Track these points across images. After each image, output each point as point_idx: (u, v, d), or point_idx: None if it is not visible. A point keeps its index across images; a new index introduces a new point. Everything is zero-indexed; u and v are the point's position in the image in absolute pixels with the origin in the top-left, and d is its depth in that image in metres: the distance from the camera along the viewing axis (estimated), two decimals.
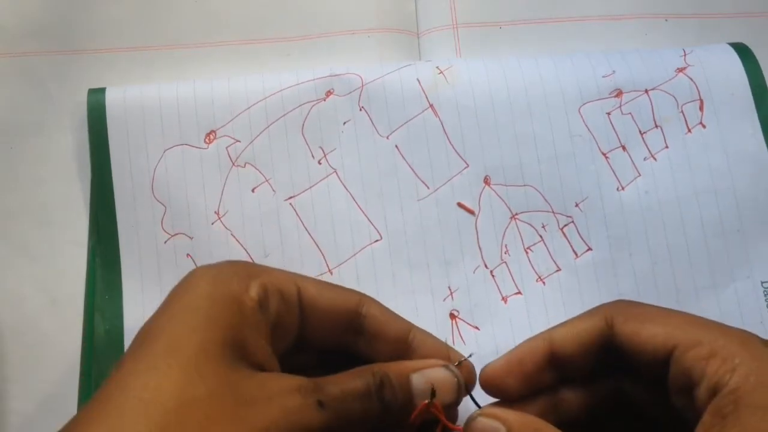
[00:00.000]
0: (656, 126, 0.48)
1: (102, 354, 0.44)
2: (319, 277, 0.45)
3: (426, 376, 0.35)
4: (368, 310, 0.37)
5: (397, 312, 0.45)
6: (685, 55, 0.50)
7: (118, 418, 0.28)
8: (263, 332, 0.33)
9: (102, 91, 0.48)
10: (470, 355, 0.37)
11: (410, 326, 0.38)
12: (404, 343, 0.37)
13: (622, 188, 0.47)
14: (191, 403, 0.29)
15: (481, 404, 0.36)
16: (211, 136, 0.47)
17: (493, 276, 0.46)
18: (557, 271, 0.46)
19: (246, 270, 0.34)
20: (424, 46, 0.53)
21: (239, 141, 0.47)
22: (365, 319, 0.36)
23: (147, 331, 0.32)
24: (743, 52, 0.50)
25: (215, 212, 0.46)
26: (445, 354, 0.37)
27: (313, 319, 0.35)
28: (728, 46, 0.51)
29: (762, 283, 0.46)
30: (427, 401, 0.34)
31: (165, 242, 0.46)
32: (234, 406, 0.29)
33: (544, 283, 0.46)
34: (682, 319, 0.33)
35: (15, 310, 0.46)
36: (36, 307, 0.46)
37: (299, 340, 0.35)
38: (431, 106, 0.48)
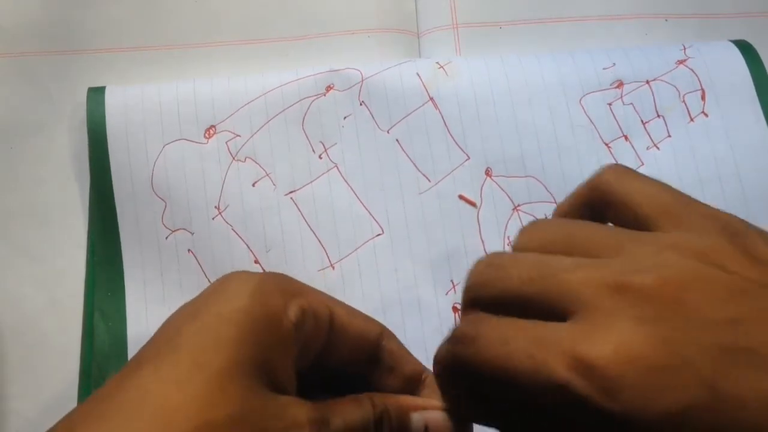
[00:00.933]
0: (658, 116, 0.48)
1: (104, 352, 0.44)
2: (321, 273, 0.45)
3: (425, 416, 0.34)
4: (387, 344, 0.36)
5: (400, 306, 0.45)
6: (684, 49, 0.50)
7: (132, 420, 0.28)
8: (292, 354, 0.32)
9: (101, 90, 0.48)
10: None
11: (424, 368, 0.37)
12: (416, 382, 0.36)
13: None
14: (211, 426, 0.28)
15: None
16: (211, 131, 0.47)
17: None
18: None
19: (287, 287, 0.33)
20: (424, 46, 0.53)
21: (239, 136, 0.47)
22: (384, 352, 0.36)
23: (174, 332, 0.31)
24: (745, 48, 0.50)
25: (216, 207, 0.46)
26: None
27: (337, 344, 0.34)
28: (729, 42, 0.51)
29: None
30: None
31: (166, 238, 0.46)
32: None
33: None
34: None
35: (15, 310, 0.46)
36: (36, 307, 0.46)
37: (318, 361, 0.35)
38: (431, 99, 0.48)
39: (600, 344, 0.24)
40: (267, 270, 0.45)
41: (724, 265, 0.25)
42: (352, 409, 0.32)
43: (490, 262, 0.30)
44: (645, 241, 0.27)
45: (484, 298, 0.29)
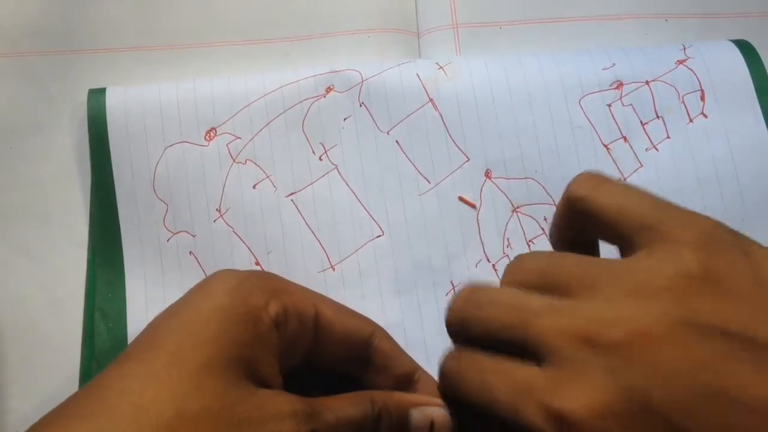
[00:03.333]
0: (657, 117, 0.48)
1: (104, 352, 0.44)
2: (322, 274, 0.45)
3: (425, 412, 0.34)
4: (379, 344, 0.36)
5: (400, 307, 0.45)
6: (684, 49, 0.50)
7: (109, 419, 0.28)
8: (274, 350, 0.32)
9: (102, 91, 0.48)
10: None
11: (417, 367, 0.37)
12: (408, 382, 0.37)
13: (624, 179, 0.47)
14: (184, 418, 0.28)
15: None
16: (212, 134, 0.47)
17: (495, 270, 0.46)
18: None
19: (269, 285, 0.34)
20: (424, 46, 0.53)
21: (240, 138, 0.47)
22: (374, 352, 0.36)
23: (156, 330, 0.32)
24: (744, 47, 0.50)
25: (217, 209, 0.46)
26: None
27: (325, 343, 0.35)
28: (727, 41, 0.51)
29: None
30: None
31: (167, 240, 0.46)
32: (226, 427, 0.29)
33: None
34: None
35: (15, 310, 0.46)
36: (36, 307, 0.46)
37: (307, 359, 0.35)
38: (431, 100, 0.48)
39: (572, 397, 0.25)
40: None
41: (691, 303, 0.26)
42: (349, 405, 0.33)
43: (467, 297, 0.30)
44: (619, 277, 0.27)
45: (463, 335, 0.30)
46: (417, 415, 0.34)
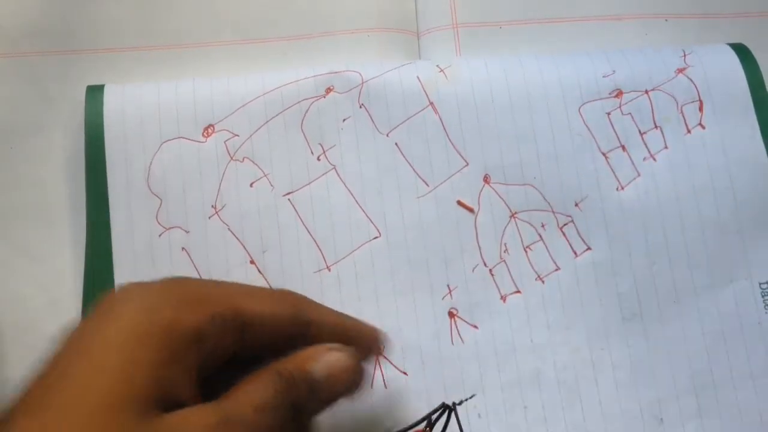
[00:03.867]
0: (656, 126, 0.48)
1: None
2: (318, 274, 0.46)
3: (323, 362, 0.34)
4: (309, 317, 0.35)
5: (396, 310, 0.45)
6: (684, 55, 0.50)
7: None
8: (191, 365, 0.30)
9: (101, 87, 0.48)
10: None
11: (344, 320, 0.37)
12: (347, 339, 0.36)
13: (622, 188, 0.47)
14: None
15: None
16: (210, 130, 0.47)
17: (492, 274, 0.46)
18: (556, 270, 0.46)
19: (182, 296, 0.31)
20: (424, 46, 0.53)
21: (238, 135, 0.47)
22: (308, 328, 0.35)
23: (57, 365, 0.30)
24: (742, 52, 0.50)
25: (212, 206, 0.46)
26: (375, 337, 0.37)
27: (254, 336, 0.33)
28: (728, 47, 0.51)
29: (760, 284, 0.46)
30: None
31: (159, 235, 0.46)
32: None
33: (543, 282, 0.46)
34: None
35: (15, 310, 0.46)
36: (36, 307, 0.46)
37: (236, 355, 0.33)
38: (431, 103, 0.48)
39: None
40: (263, 271, 0.45)
41: None
42: (262, 388, 0.31)
43: None
44: None
45: None
46: (316, 368, 0.33)
